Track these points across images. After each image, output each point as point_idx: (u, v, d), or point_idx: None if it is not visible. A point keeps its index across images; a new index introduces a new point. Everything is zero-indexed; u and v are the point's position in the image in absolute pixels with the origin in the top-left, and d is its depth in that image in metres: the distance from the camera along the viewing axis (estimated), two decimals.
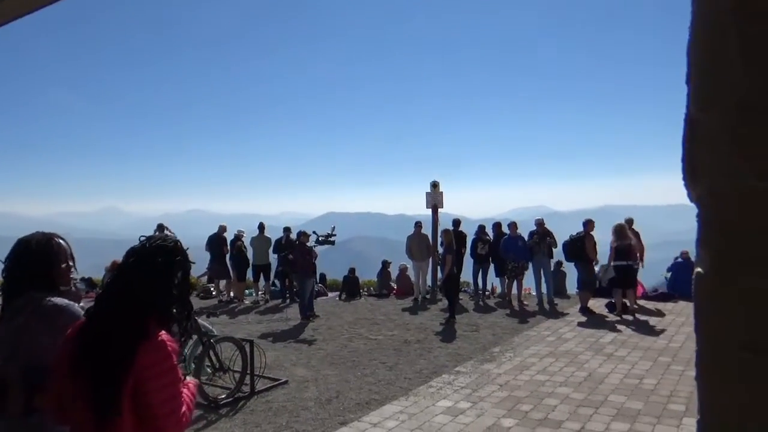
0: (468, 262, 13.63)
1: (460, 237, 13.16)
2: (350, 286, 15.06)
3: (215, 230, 14.61)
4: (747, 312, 0.75)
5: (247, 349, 6.85)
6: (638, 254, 11.15)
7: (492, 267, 13.60)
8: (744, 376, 0.76)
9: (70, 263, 2.47)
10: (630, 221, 11.83)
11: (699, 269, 0.82)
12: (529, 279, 13.12)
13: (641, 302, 11.86)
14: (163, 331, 2.03)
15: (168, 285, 2.09)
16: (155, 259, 2.07)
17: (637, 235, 11.56)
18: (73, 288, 2.55)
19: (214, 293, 15.10)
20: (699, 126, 0.79)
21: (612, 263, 10.96)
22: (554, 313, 11.47)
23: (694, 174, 0.81)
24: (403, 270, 15.36)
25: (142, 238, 2.18)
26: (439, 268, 13.07)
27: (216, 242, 14.29)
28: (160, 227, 13.01)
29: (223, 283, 14.77)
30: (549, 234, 12.58)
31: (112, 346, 1.93)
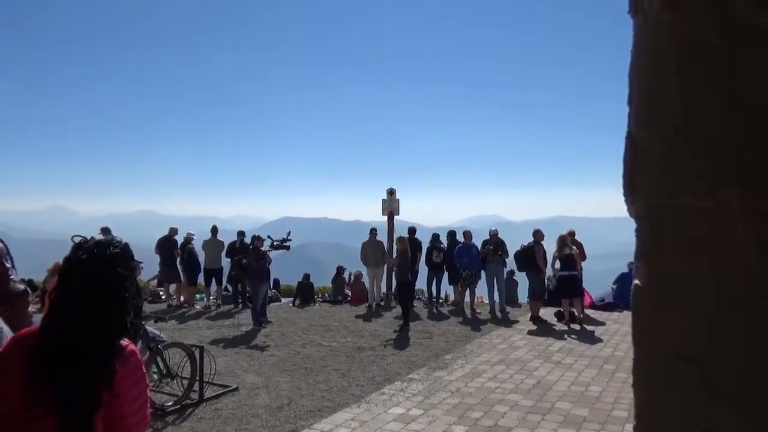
0: (422, 269, 13.75)
1: (415, 245, 13.25)
2: (304, 292, 14.94)
3: (165, 232, 14.28)
4: (680, 323, 0.79)
5: (197, 355, 6.71)
6: (576, 264, 11.46)
7: (446, 275, 13.75)
8: (677, 384, 0.80)
9: (7, 264, 2.24)
10: (572, 233, 12.17)
11: (637, 281, 0.86)
12: (481, 287, 13.33)
13: (588, 311, 12.21)
14: (127, 340, 1.95)
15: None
16: (117, 266, 1.89)
17: (579, 245, 11.95)
18: (24, 289, 2.36)
19: (163, 297, 14.73)
20: (638, 145, 0.84)
21: (557, 273, 11.28)
22: (506, 322, 11.67)
23: (633, 190, 0.86)
24: (357, 277, 15.34)
25: (78, 239, 1.93)
26: (394, 275, 13.12)
27: (166, 245, 13.96)
28: (105, 230, 12.59)
29: (173, 287, 14.43)
30: (502, 247, 12.76)
31: (87, 363, 1.79)
